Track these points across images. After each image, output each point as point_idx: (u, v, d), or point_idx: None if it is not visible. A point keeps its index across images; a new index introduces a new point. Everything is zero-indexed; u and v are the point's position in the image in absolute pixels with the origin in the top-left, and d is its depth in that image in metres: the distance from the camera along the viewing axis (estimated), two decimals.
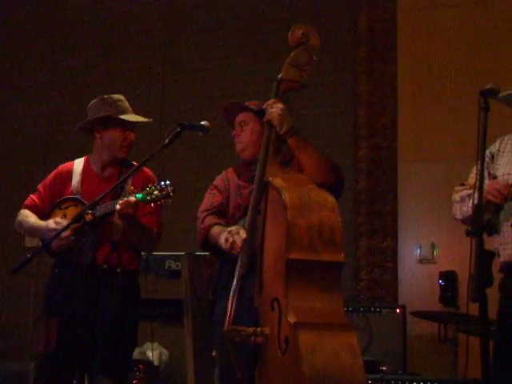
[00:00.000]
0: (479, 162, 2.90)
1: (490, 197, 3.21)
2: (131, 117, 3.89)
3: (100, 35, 7.04)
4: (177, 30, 6.83)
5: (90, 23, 7.11)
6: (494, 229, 2.92)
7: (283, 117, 3.35)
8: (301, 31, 3.43)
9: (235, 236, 3.24)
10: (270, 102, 3.41)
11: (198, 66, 6.66)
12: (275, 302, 3.07)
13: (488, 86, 3.01)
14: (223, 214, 3.58)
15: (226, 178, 3.68)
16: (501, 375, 3.19)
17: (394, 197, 5.90)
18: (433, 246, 5.70)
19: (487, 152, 3.46)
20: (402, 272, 5.83)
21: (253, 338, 3.09)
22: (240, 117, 3.62)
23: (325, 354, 2.93)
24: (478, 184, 2.88)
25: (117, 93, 3.98)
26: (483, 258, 2.77)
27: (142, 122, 3.94)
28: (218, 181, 3.69)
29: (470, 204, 3.20)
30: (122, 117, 3.85)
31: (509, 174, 3.34)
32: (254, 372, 3.19)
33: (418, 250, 5.75)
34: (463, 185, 3.50)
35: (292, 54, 3.45)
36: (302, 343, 2.92)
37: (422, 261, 5.75)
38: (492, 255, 3.00)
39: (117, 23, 7.02)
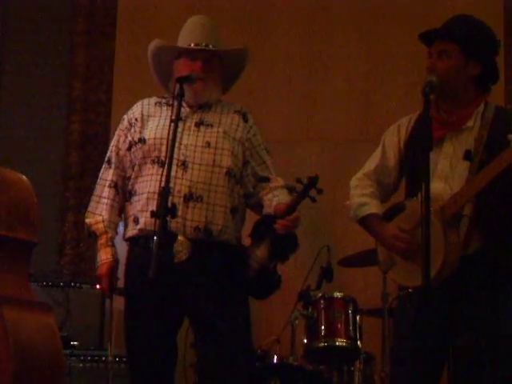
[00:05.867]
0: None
1: None
2: None
3: None
4: None
5: None
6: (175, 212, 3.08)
7: None
8: None
9: None
10: None
11: None
12: None
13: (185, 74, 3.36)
14: None
15: None
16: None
17: None
18: None
19: (126, 120, 3.61)
20: None
21: None
22: None
23: (29, 328, 3.03)
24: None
25: None
26: (164, 237, 3.01)
27: None
28: None
29: None
30: None
31: (161, 138, 3.40)
32: None
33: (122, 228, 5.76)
34: None
35: None
36: (6, 318, 2.94)
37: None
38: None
39: None
